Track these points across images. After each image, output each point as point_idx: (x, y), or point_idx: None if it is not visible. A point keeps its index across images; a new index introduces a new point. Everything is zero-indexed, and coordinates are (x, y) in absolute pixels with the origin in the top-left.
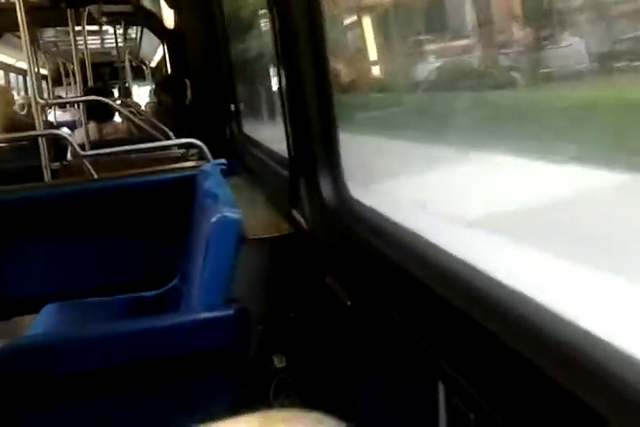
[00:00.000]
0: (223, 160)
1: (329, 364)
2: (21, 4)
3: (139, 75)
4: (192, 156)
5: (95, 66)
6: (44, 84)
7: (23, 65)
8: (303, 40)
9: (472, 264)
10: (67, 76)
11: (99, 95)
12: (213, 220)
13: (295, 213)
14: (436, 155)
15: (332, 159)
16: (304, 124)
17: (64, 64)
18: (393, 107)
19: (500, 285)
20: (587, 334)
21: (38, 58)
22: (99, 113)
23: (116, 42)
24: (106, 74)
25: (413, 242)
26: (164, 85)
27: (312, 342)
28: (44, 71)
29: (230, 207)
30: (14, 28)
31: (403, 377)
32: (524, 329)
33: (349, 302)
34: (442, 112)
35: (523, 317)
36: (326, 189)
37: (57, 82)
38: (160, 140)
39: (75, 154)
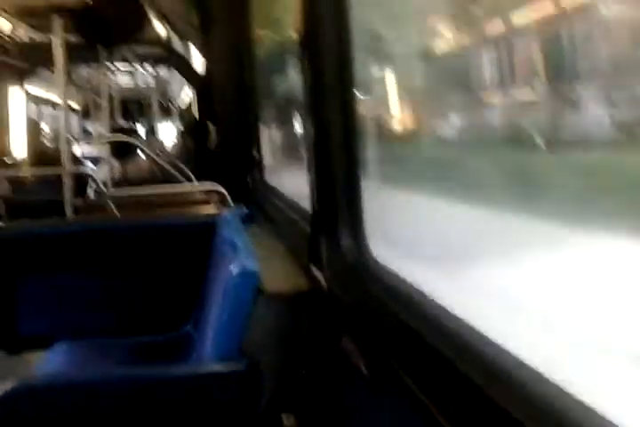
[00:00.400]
0: (243, 207)
1: None
2: (60, 42)
3: (166, 112)
4: (212, 200)
5: (125, 102)
6: (73, 115)
7: (52, 97)
8: (333, 95)
9: (495, 342)
10: (96, 109)
11: (125, 134)
12: (232, 271)
13: (314, 269)
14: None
15: (355, 217)
16: (329, 181)
17: (93, 99)
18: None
19: (524, 366)
20: None
21: (69, 92)
22: (123, 151)
23: (145, 81)
24: (135, 110)
25: (438, 313)
26: (190, 129)
27: (323, 403)
28: (73, 104)
29: (249, 259)
30: (49, 63)
31: None
32: (545, 411)
33: (365, 369)
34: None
35: (543, 399)
36: (347, 247)
37: (85, 114)
38: (181, 181)
39: (99, 192)
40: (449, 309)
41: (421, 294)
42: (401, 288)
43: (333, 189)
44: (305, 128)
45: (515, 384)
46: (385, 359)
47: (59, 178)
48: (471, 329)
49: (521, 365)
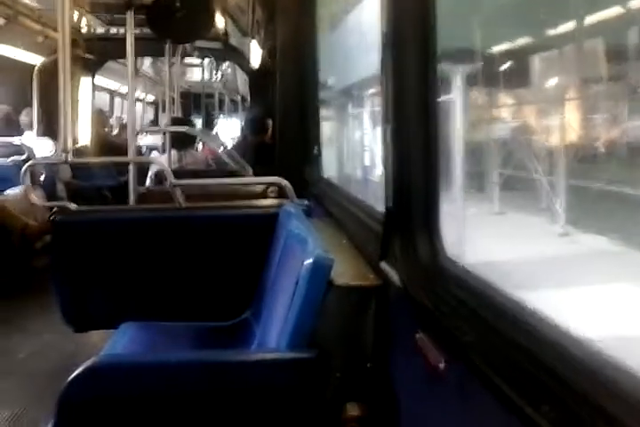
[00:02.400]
0: (305, 201)
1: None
2: (132, 36)
3: (236, 106)
4: (271, 193)
5: (195, 96)
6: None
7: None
8: (414, 93)
9: (585, 340)
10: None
11: (183, 126)
12: (306, 263)
13: (385, 266)
14: None
15: (432, 217)
16: (406, 179)
17: (163, 91)
18: None
19: (616, 366)
20: None
21: (138, 84)
22: (180, 142)
23: (203, 75)
24: (206, 103)
25: (518, 310)
26: (247, 123)
27: (390, 395)
28: (151, 96)
29: (321, 250)
30: (117, 56)
31: None
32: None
33: (443, 364)
34: None
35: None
36: (423, 246)
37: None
38: (237, 172)
39: (159, 181)
40: (531, 306)
41: (502, 293)
42: (480, 287)
43: (409, 188)
44: (383, 124)
45: (602, 377)
46: (465, 356)
47: (117, 164)
48: (557, 327)
49: (616, 367)
